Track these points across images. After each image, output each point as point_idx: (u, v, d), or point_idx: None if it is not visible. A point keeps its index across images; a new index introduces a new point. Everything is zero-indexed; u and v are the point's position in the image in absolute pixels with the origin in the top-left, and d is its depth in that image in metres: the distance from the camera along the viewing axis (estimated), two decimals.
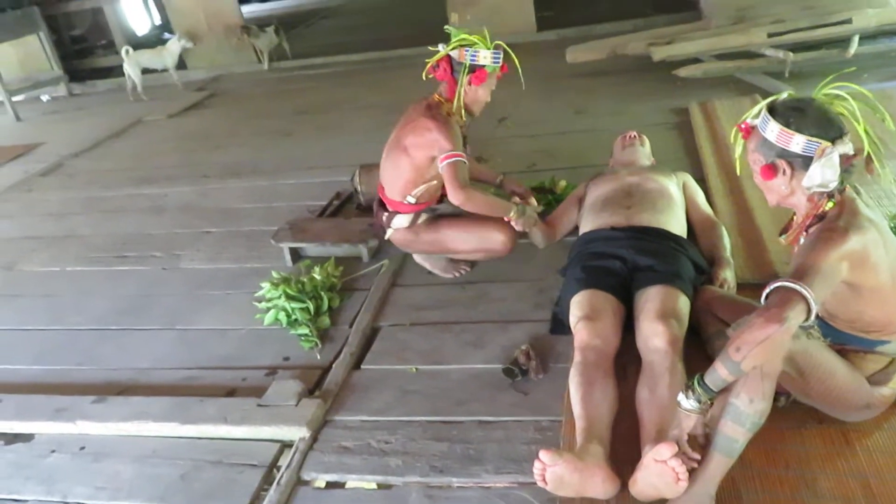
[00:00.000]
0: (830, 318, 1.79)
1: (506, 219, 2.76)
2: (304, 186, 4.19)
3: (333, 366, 2.49)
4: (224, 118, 6.10)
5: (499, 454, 2.00)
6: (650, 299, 2.21)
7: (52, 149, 5.89)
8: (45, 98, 8.08)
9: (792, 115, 1.67)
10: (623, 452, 1.87)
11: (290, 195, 4.10)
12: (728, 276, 2.46)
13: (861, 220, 1.65)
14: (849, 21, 4.57)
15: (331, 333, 2.72)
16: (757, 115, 1.74)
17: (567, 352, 2.30)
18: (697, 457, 1.67)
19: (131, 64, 7.06)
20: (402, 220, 2.83)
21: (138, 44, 8.02)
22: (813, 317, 1.55)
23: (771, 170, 1.74)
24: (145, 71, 7.22)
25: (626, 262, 2.38)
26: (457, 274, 2.96)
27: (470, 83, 2.67)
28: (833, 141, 1.65)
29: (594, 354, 2.10)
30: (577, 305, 2.28)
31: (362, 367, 2.49)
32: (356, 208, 3.69)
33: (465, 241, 2.85)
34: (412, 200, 2.79)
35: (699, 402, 1.64)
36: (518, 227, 2.78)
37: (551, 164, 3.73)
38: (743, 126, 1.79)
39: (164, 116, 6.39)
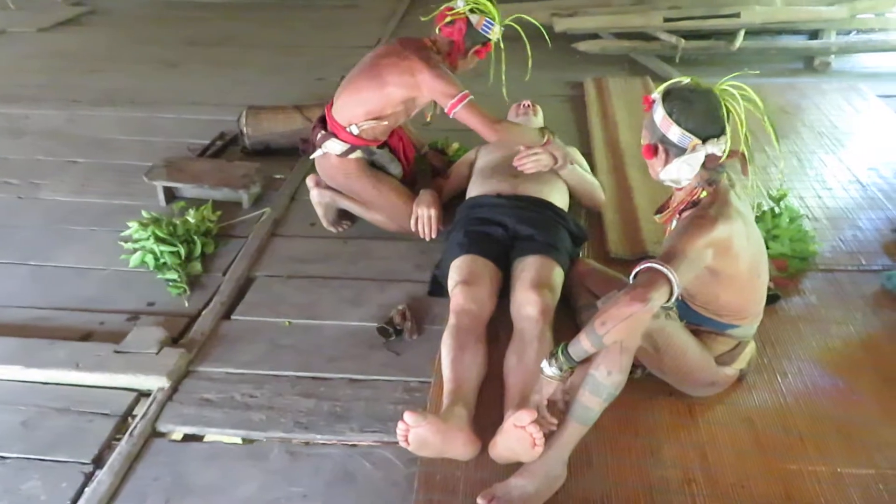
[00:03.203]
0: (689, 299, 1.89)
1: (543, 142, 2.61)
2: (186, 122, 3.95)
3: (202, 314, 2.39)
4: (102, 39, 5.61)
5: (365, 413, 1.99)
6: (527, 268, 2.25)
7: None
8: None
9: (677, 104, 1.72)
10: (488, 416, 1.91)
11: (169, 130, 3.86)
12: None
13: (730, 210, 1.73)
14: (737, 15, 4.79)
15: (202, 281, 2.60)
16: (658, 94, 1.78)
17: (443, 314, 2.31)
18: (555, 422, 1.73)
19: None
20: (334, 146, 2.64)
21: None
22: (674, 299, 1.63)
23: (651, 150, 1.80)
24: None
25: (508, 229, 2.42)
26: (340, 229, 2.90)
27: (475, 53, 2.67)
28: (706, 140, 1.71)
29: (468, 319, 2.13)
30: (457, 270, 2.29)
31: (233, 317, 2.41)
32: (241, 151, 3.53)
33: (379, 202, 2.73)
34: (355, 131, 2.62)
35: (560, 370, 1.70)
36: (556, 154, 2.60)
37: (446, 125, 3.68)
38: (648, 99, 1.82)
39: (34, 29, 5.79)
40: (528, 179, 2.60)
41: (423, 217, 2.69)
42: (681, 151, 1.74)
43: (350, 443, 1.91)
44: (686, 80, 1.79)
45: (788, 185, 3.11)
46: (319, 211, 2.87)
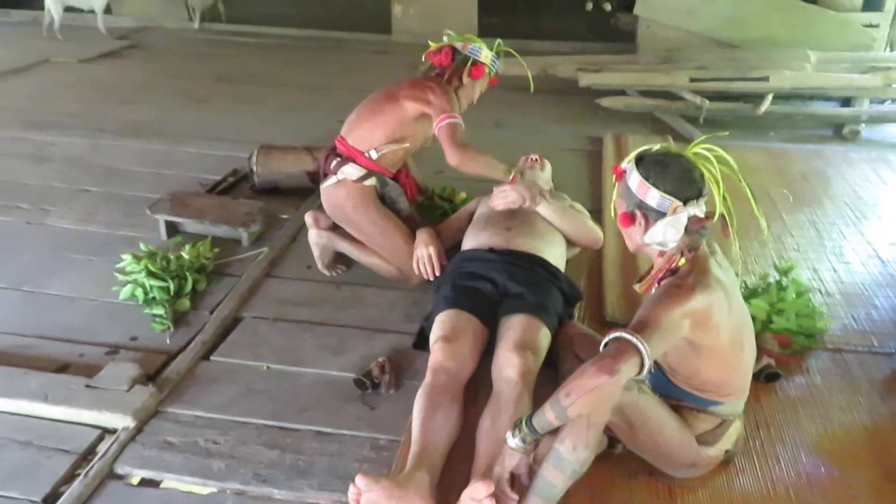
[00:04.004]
0: (671, 372, 1.79)
1: (509, 179, 2.65)
2: (203, 157, 4.00)
3: (181, 353, 2.36)
4: (138, 72, 5.79)
5: (328, 469, 1.92)
6: (512, 327, 2.18)
7: None
8: None
9: (653, 168, 1.68)
10: (457, 479, 1.82)
11: (186, 164, 3.90)
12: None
13: (710, 279, 1.65)
14: (766, 79, 4.71)
15: (189, 318, 2.57)
16: (630, 162, 1.74)
17: (425, 370, 2.22)
18: (515, 497, 1.64)
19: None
20: (352, 171, 2.67)
21: None
22: (646, 371, 1.54)
23: (628, 218, 1.75)
24: (69, 9, 6.78)
25: (498, 285, 2.35)
26: (335, 273, 2.86)
27: (469, 75, 2.77)
28: (686, 201, 1.65)
29: (445, 377, 2.06)
30: (440, 324, 2.23)
31: (212, 358, 2.37)
32: (250, 189, 3.54)
33: (381, 240, 2.70)
34: (374, 156, 2.68)
35: (524, 441, 1.61)
36: (522, 193, 2.54)
37: (458, 173, 3.68)
38: (618, 169, 1.78)
39: (75, 60, 6.00)
40: (522, 234, 2.53)
41: (424, 257, 2.63)
42: (661, 215, 1.69)
43: (308, 500, 1.83)
44: (657, 146, 1.75)
45: (803, 256, 3.00)
46: (316, 252, 2.84)
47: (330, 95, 5.22)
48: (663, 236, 1.69)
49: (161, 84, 5.45)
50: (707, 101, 4.58)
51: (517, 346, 2.09)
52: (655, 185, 1.65)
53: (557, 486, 1.59)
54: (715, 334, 1.67)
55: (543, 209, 2.60)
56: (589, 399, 1.52)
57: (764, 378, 2.22)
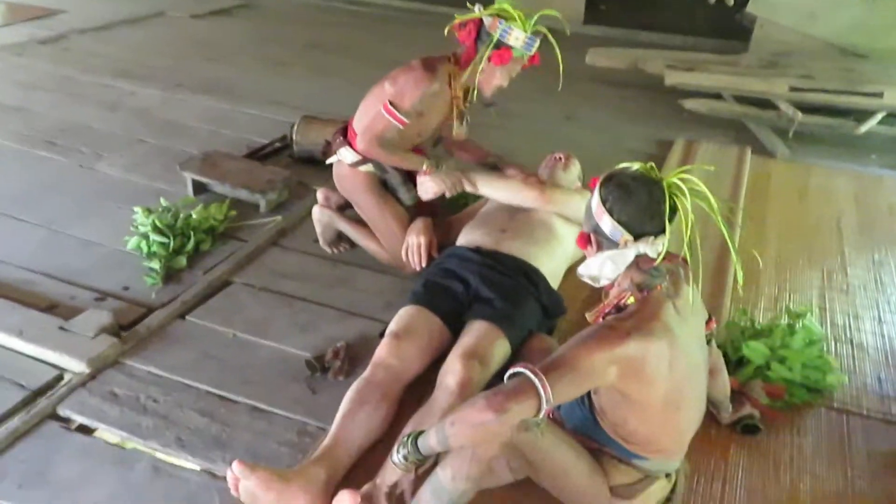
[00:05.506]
0: (600, 413, 1.62)
1: (422, 172, 2.52)
2: (260, 120, 4.09)
3: (160, 309, 2.43)
4: (238, 32, 6.01)
5: (247, 446, 1.92)
6: (469, 333, 2.08)
7: (67, 20, 5.91)
8: None
9: (615, 192, 1.49)
10: (365, 482, 1.76)
11: (242, 125, 4.01)
12: None
13: (654, 326, 1.46)
14: (880, 95, 4.19)
15: (183, 275, 2.64)
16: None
17: None
18: None
19: None
20: (346, 155, 2.60)
21: None
22: (542, 415, 1.39)
23: (584, 239, 1.58)
24: None
25: (470, 287, 2.24)
26: (336, 250, 2.85)
27: (489, 59, 2.39)
28: (639, 237, 1.47)
29: (384, 374, 1.99)
30: (397, 319, 2.16)
31: (187, 317, 2.42)
32: (288, 157, 3.59)
33: (379, 225, 2.65)
34: None
35: (405, 459, 1.52)
36: (438, 184, 2.50)
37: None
38: (594, 182, 1.61)
39: (187, 15, 6.32)
40: (516, 237, 2.40)
41: (413, 245, 2.56)
42: (613, 246, 1.51)
43: (217, 472, 1.84)
44: (636, 165, 1.54)
45: (849, 299, 2.65)
46: (318, 228, 2.84)
47: None
48: (598, 270, 1.52)
49: (252, 46, 5.62)
50: (799, 114, 4.13)
51: (466, 353, 1.98)
52: (610, 212, 1.48)
53: None
54: (646, 388, 1.47)
55: (473, 189, 2.52)
56: (472, 434, 1.40)
57: (740, 429, 1.98)
